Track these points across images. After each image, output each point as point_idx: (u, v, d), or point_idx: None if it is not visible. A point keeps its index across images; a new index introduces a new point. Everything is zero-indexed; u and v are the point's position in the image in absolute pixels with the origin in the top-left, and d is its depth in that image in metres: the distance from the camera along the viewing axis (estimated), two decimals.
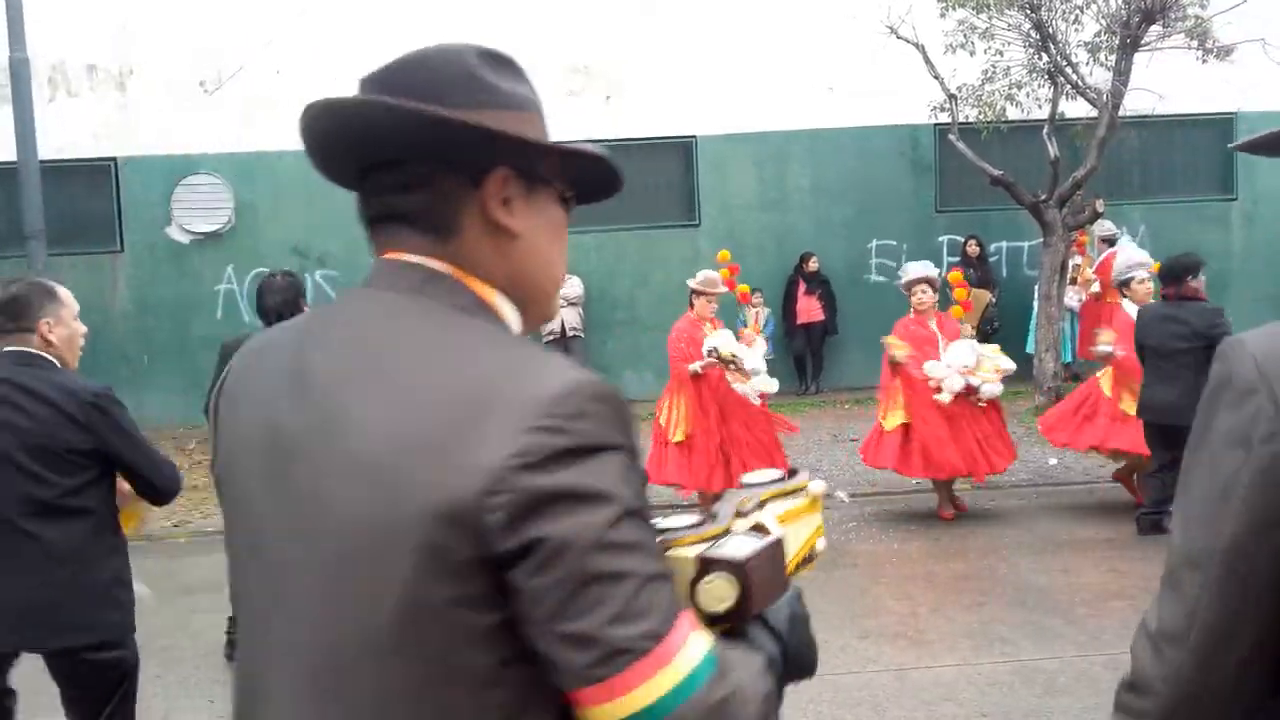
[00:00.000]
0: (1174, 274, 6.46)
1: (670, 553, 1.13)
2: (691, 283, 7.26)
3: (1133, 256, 7.34)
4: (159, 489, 3.42)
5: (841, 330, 12.19)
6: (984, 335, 10.48)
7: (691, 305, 7.21)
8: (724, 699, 1.02)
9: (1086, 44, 10.73)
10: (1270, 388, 1.15)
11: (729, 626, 1.12)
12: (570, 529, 0.98)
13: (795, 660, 1.17)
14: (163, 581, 6.73)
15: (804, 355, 12.38)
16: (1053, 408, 8.24)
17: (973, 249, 12.16)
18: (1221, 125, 12.60)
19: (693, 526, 1.19)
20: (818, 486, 1.33)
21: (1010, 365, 7.31)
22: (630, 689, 0.99)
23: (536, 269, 1.20)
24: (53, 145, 10.70)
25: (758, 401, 7.19)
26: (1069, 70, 10.59)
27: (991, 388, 7.06)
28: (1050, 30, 10.44)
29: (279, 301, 5.07)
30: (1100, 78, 10.63)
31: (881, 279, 12.40)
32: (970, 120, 11.14)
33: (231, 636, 5.18)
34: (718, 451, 6.97)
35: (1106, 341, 7.06)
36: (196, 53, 11.54)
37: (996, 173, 10.77)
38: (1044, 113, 10.96)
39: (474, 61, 1.18)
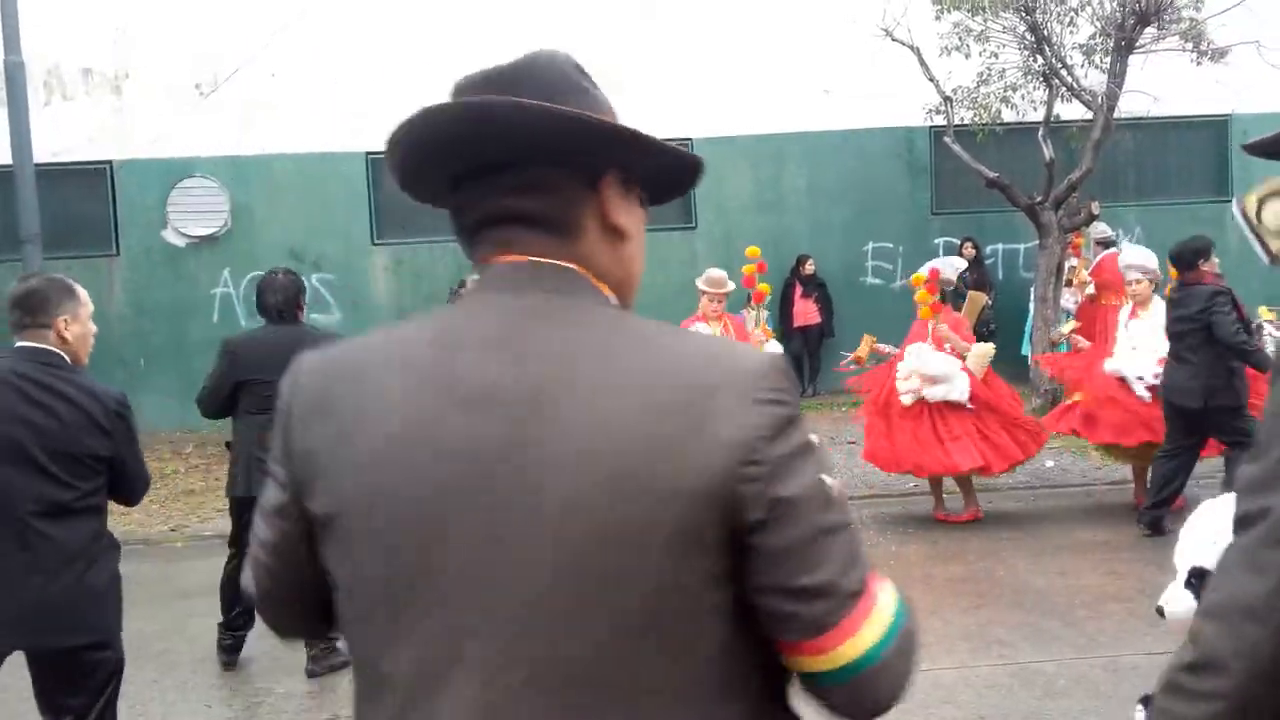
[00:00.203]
0: (1184, 259, 6.62)
1: None
2: (698, 281, 7.28)
3: (1131, 257, 7.37)
4: (137, 494, 3.47)
5: (838, 332, 12.19)
6: (981, 337, 10.48)
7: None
8: (915, 624, 1.15)
9: (1081, 46, 10.74)
10: None
11: None
12: (804, 489, 1.07)
13: None
14: (160, 586, 6.72)
15: (801, 358, 12.39)
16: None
17: (969, 251, 12.18)
18: (1216, 127, 12.63)
19: None
20: None
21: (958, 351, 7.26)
22: (858, 629, 1.08)
23: (636, 269, 1.26)
24: (48, 149, 10.69)
25: None
26: (1064, 72, 10.60)
27: (933, 391, 7.04)
28: (1045, 33, 10.46)
29: (280, 300, 5.07)
30: (1095, 80, 10.64)
31: (878, 281, 12.41)
32: (966, 123, 11.15)
33: (224, 644, 5.13)
34: None
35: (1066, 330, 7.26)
36: (192, 56, 11.53)
37: (992, 175, 10.78)
38: (1039, 115, 10.98)
39: (572, 68, 1.22)
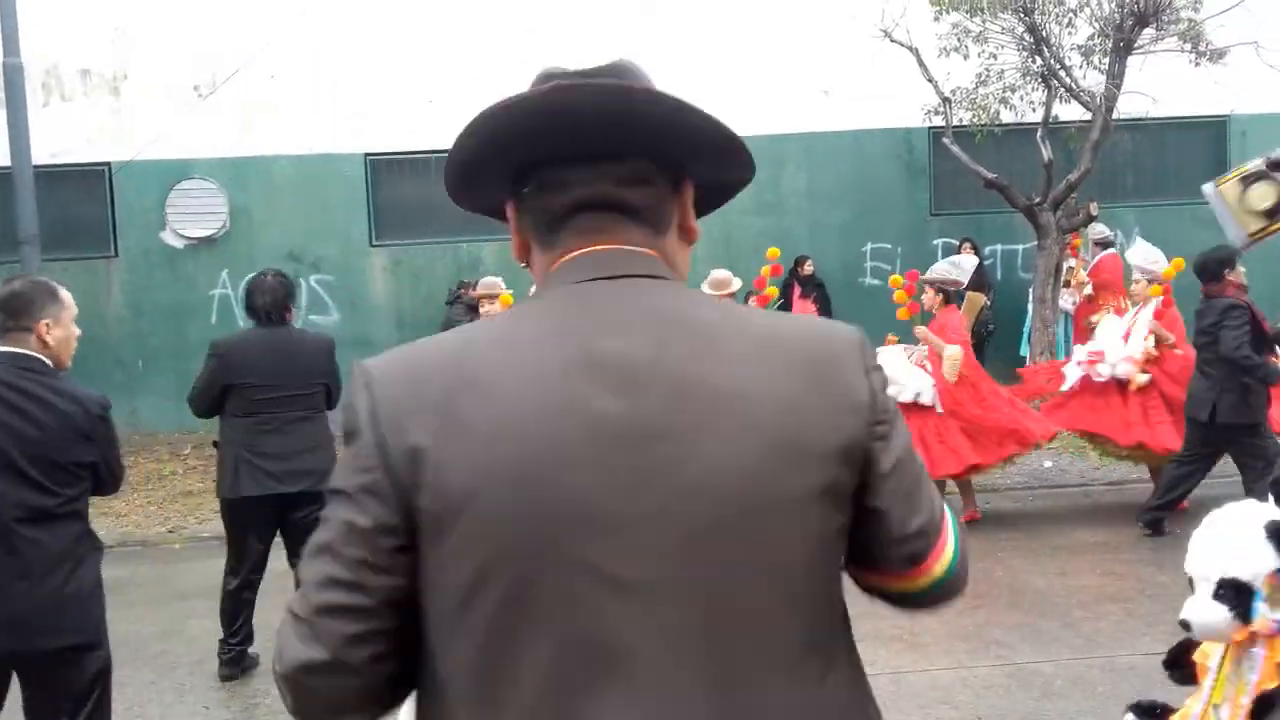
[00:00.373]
0: (1208, 270, 6.52)
1: None
2: (704, 285, 7.29)
3: (1135, 257, 7.39)
4: (109, 489, 3.48)
5: None
6: (979, 338, 10.50)
7: None
8: (962, 528, 1.31)
9: (1080, 47, 10.74)
10: None
11: None
12: (906, 441, 1.22)
13: None
14: (157, 587, 6.72)
15: None
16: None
17: (967, 252, 12.17)
18: (1215, 128, 12.63)
19: None
20: None
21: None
22: (944, 551, 1.25)
23: (687, 269, 1.32)
24: (46, 150, 10.69)
25: None
26: (1062, 73, 10.61)
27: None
28: (1044, 34, 10.47)
29: (267, 301, 5.06)
30: (1094, 81, 10.65)
31: (876, 282, 12.40)
32: (964, 123, 11.15)
33: (225, 657, 5.09)
34: None
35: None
36: (190, 57, 11.52)
37: (991, 176, 10.79)
38: (1038, 116, 10.98)
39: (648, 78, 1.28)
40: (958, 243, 12.31)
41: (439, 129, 11.49)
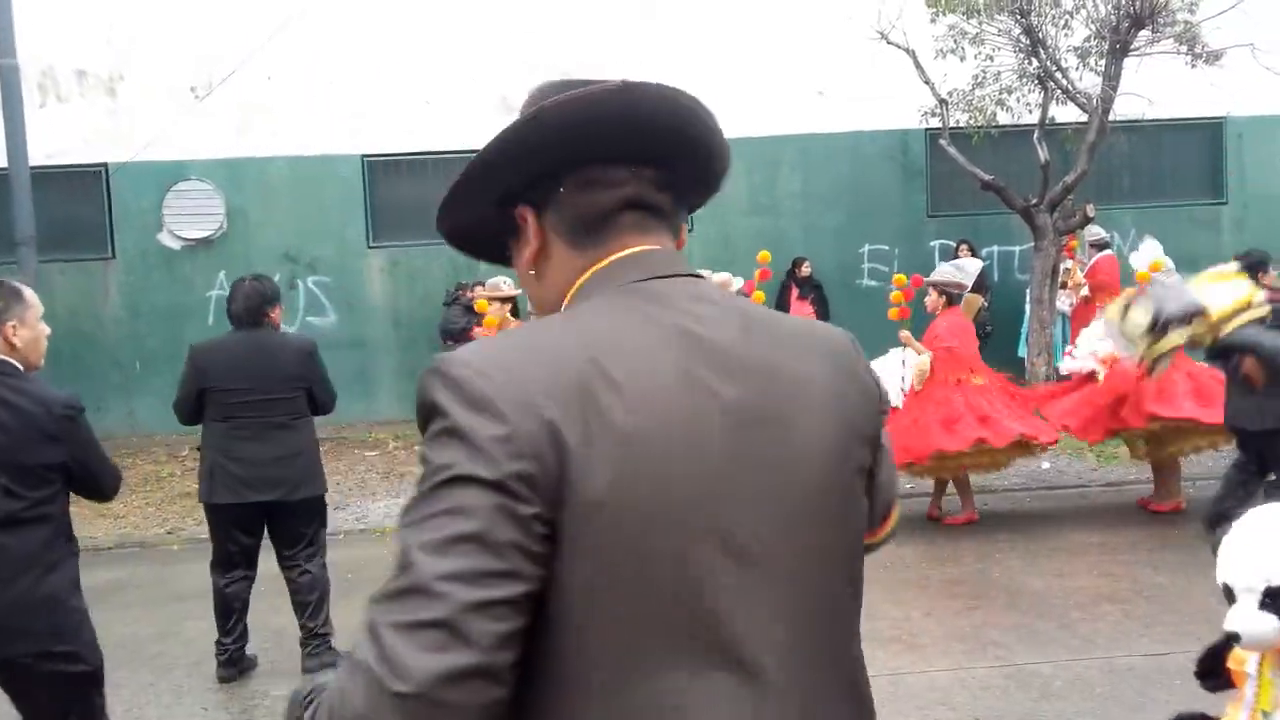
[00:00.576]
0: (1248, 274, 6.40)
1: None
2: None
3: (1139, 260, 7.40)
4: (106, 492, 3.42)
5: None
6: (978, 339, 10.49)
7: None
8: None
9: (1076, 49, 10.76)
10: None
11: None
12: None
13: None
14: (155, 589, 6.71)
15: None
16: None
17: (964, 253, 12.18)
18: (1211, 129, 12.66)
19: None
20: None
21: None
22: (897, 507, 1.44)
23: None
24: (43, 151, 10.67)
25: None
26: (1059, 75, 10.62)
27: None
28: (1040, 35, 10.48)
29: (242, 307, 5.06)
30: (1090, 82, 10.67)
31: (874, 283, 12.41)
32: (961, 125, 11.16)
33: (222, 658, 5.08)
34: None
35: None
36: (187, 58, 11.51)
37: (987, 177, 10.80)
38: (1034, 117, 11.00)
39: None
40: (955, 244, 12.33)
41: (436, 130, 11.51)
